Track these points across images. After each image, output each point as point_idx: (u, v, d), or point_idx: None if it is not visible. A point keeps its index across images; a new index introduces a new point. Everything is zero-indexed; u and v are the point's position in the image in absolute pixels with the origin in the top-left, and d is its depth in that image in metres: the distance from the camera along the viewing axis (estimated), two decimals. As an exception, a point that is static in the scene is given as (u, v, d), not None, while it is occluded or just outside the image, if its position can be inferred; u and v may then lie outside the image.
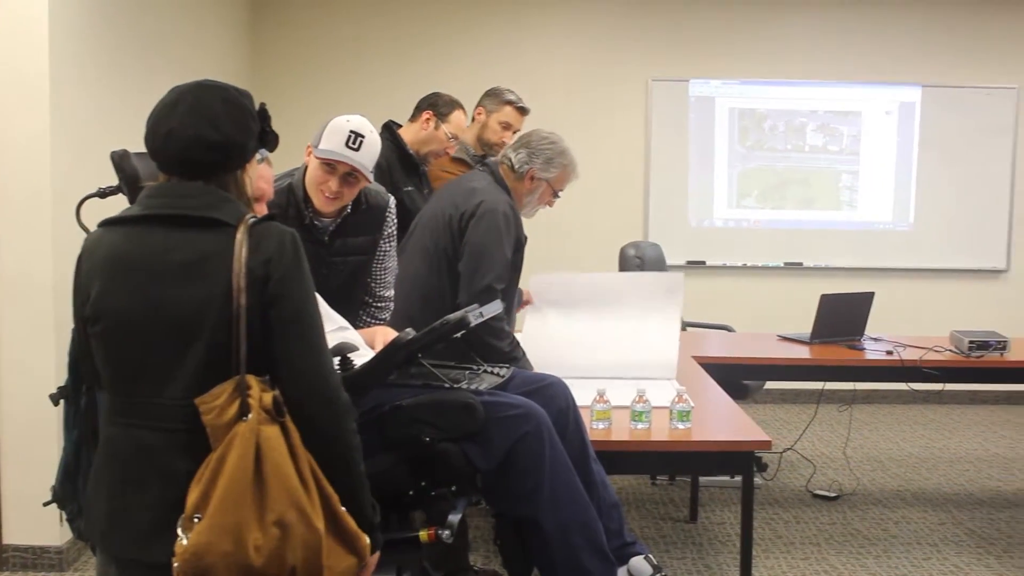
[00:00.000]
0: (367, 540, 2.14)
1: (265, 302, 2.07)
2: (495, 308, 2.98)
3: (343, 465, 2.15)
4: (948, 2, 7.77)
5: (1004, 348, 5.08)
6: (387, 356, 2.67)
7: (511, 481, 2.84)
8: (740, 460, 3.46)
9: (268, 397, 2.04)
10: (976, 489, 5.77)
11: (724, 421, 3.73)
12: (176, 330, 2.05)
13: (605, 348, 4.29)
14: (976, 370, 5.12)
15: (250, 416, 2.00)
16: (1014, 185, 7.87)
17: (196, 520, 1.96)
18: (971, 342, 5.06)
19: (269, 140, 2.25)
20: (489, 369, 3.13)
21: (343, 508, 2.10)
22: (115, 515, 2.10)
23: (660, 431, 3.46)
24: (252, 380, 2.03)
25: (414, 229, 4.03)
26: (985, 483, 5.89)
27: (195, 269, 2.06)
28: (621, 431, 3.45)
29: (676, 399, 3.51)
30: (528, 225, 4.05)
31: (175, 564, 1.96)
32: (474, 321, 2.72)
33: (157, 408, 2.06)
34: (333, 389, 2.13)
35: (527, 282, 4.36)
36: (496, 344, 3.68)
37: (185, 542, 1.95)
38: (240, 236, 2.05)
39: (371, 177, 3.37)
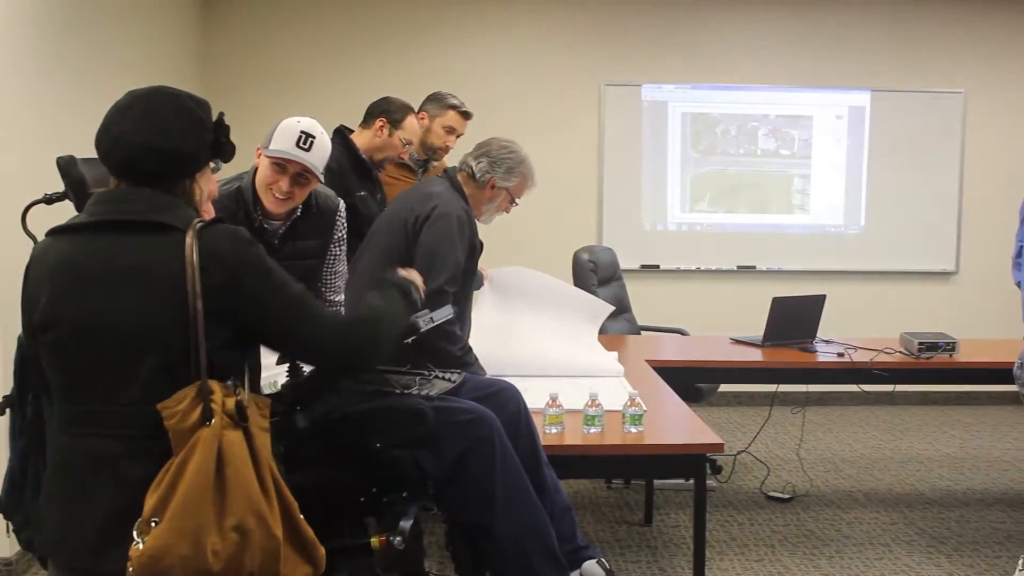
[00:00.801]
0: (323, 551, 2.15)
1: (228, 305, 2.08)
2: (446, 313, 2.97)
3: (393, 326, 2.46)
4: (896, 8, 7.86)
5: (953, 349, 5.14)
6: (337, 362, 2.65)
7: (463, 487, 2.84)
8: (692, 463, 3.47)
9: (231, 402, 2.04)
10: (927, 489, 5.83)
11: (677, 424, 3.74)
12: (128, 336, 2.04)
13: (551, 346, 4.39)
14: (926, 371, 5.18)
15: (213, 421, 2.00)
16: (962, 188, 7.97)
17: (153, 524, 1.95)
18: (921, 343, 5.12)
19: (225, 151, 2.25)
20: (440, 375, 3.12)
21: (301, 516, 2.11)
22: (68, 525, 2.08)
23: (613, 435, 3.47)
24: (215, 385, 2.04)
25: (372, 233, 4.03)
26: (936, 483, 5.96)
27: (144, 274, 2.05)
28: (574, 435, 3.45)
29: (629, 403, 3.51)
30: (483, 231, 4.06)
31: (130, 568, 1.94)
32: (424, 327, 2.72)
33: (111, 415, 2.05)
34: (345, 335, 2.31)
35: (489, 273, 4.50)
36: (449, 348, 3.68)
37: (141, 546, 1.94)
38: (189, 240, 2.05)
39: (321, 178, 3.36)
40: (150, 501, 1.96)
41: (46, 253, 2.14)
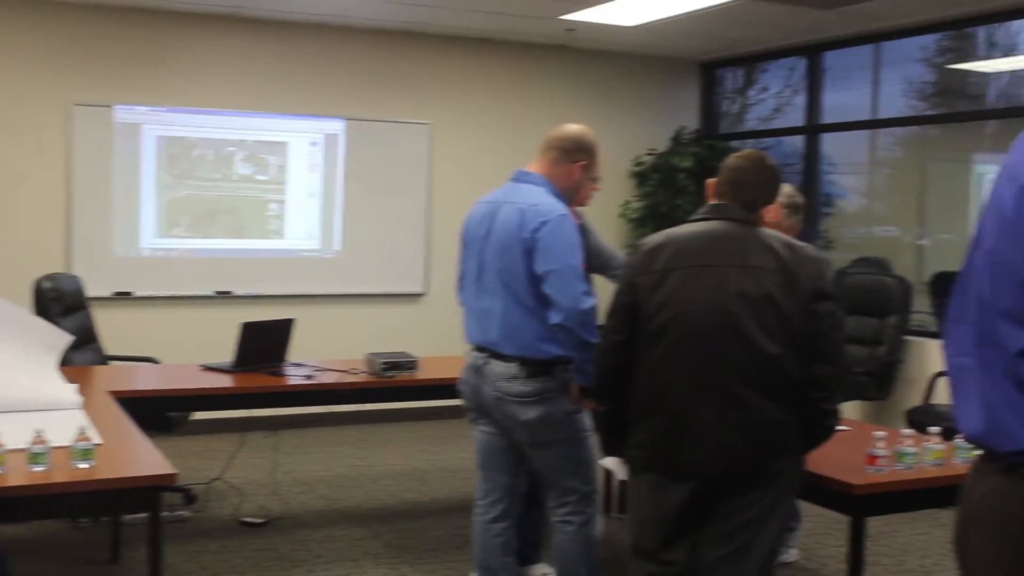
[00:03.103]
0: None
1: None
2: None
3: None
4: (369, 42, 8.18)
5: (414, 367, 5.41)
6: None
7: None
8: (146, 496, 3.39)
9: None
10: (395, 503, 6.09)
11: (131, 457, 3.63)
12: None
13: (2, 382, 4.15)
14: (390, 389, 5.42)
15: None
16: (430, 214, 8.43)
17: None
18: (384, 363, 5.34)
19: None
20: None
21: None
22: None
23: (61, 472, 3.31)
24: None
25: None
26: (404, 496, 6.24)
27: None
28: (17, 475, 3.26)
29: (78, 437, 3.37)
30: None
31: None
32: None
33: None
34: None
35: None
36: None
37: None
38: None
39: None
40: None
41: None
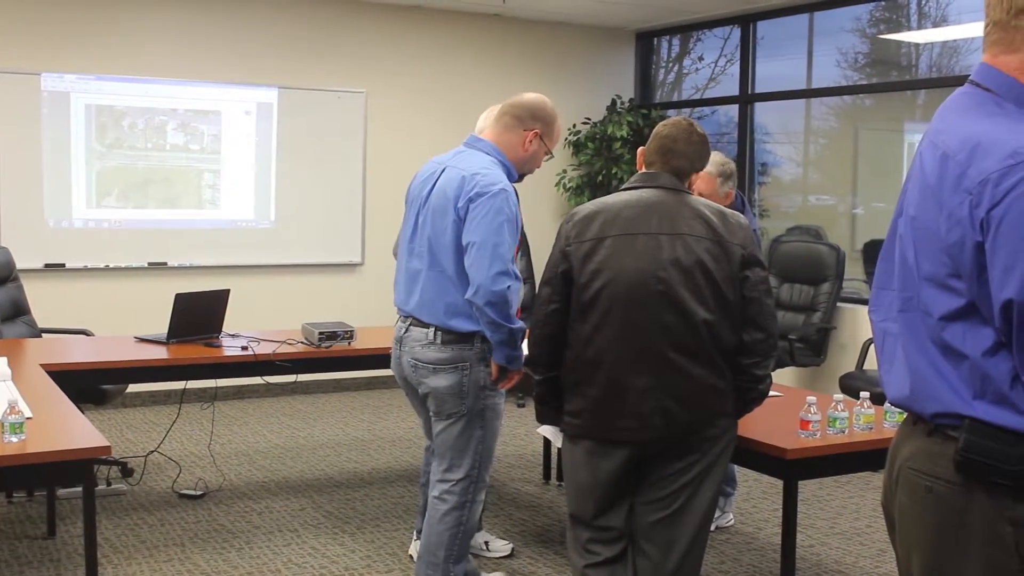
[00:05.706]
0: None
1: None
2: None
3: None
4: (302, 9, 8.09)
5: (351, 338, 5.39)
6: None
7: None
8: (79, 469, 3.36)
9: None
10: (336, 472, 6.08)
11: (63, 430, 3.59)
12: None
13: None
14: (327, 360, 5.39)
15: None
16: (366, 183, 8.38)
17: None
18: (321, 333, 5.31)
19: None
20: None
21: None
22: None
23: (-8, 447, 3.27)
24: None
25: None
26: (344, 466, 6.24)
27: None
28: (-54, 451, 3.22)
29: (8, 411, 3.33)
30: None
31: None
32: None
33: None
34: None
35: None
36: None
37: None
38: None
39: None
40: None
41: None
